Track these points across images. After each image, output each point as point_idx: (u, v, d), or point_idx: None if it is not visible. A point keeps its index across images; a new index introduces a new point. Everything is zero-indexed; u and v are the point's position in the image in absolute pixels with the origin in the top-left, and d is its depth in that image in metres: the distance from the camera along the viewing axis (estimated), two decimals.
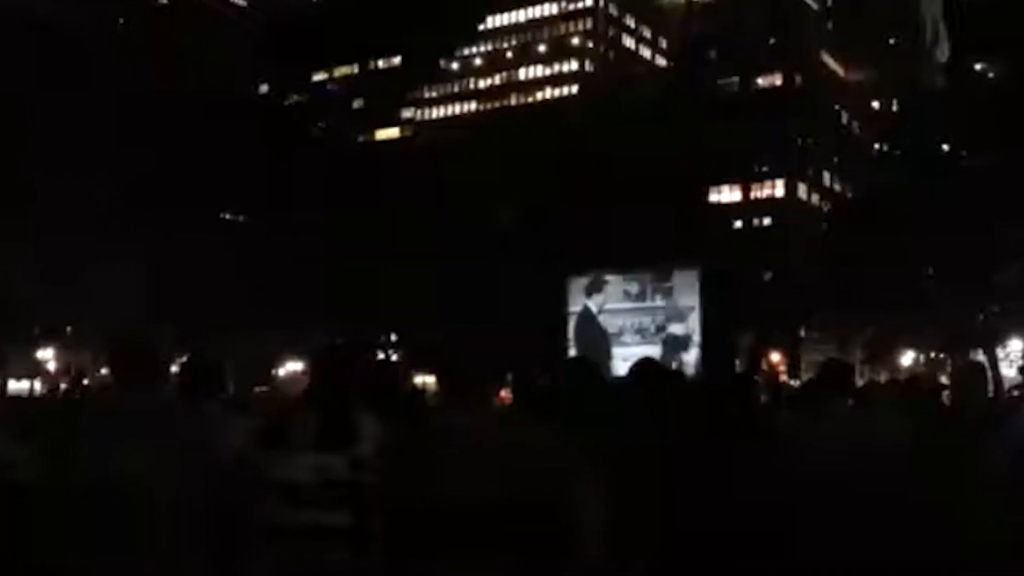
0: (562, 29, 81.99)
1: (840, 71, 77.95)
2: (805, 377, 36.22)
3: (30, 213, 23.51)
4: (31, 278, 23.29)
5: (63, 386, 24.27)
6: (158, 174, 26.72)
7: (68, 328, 30.87)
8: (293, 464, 3.12)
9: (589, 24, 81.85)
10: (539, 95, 79.09)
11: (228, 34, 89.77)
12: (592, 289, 15.32)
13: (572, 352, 13.99)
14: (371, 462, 2.99)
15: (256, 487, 2.81)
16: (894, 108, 50.70)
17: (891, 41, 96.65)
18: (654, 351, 14.17)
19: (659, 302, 15.15)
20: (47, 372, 30.68)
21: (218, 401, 4.08)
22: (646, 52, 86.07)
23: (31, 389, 28.81)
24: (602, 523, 2.35)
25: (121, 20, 70.25)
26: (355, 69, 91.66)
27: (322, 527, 3.06)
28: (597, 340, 14.64)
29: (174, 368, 3.69)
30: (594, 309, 15.12)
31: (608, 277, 15.97)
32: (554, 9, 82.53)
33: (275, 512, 2.98)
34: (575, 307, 15.71)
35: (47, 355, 31.33)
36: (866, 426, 4.18)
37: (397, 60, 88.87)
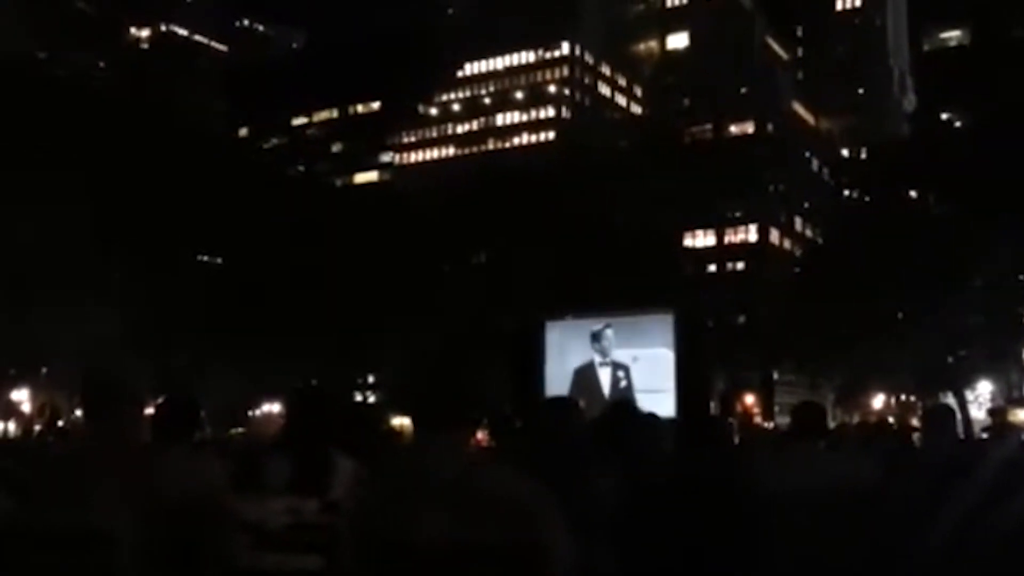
0: (539, 76, 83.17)
1: (810, 119, 79.64)
2: (779, 419, 36.43)
3: (3, 254, 23.25)
4: (4, 319, 22.96)
5: (37, 427, 23.85)
6: (136, 215, 26.58)
7: (43, 369, 30.41)
8: (265, 506, 3.10)
9: (565, 72, 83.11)
10: (516, 140, 79.88)
11: (209, 78, 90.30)
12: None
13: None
14: (345, 505, 2.97)
15: (227, 529, 2.78)
16: (863, 156, 51.69)
17: (860, 91, 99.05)
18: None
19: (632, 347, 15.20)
20: (21, 413, 30.14)
21: (191, 442, 4.05)
22: (621, 99, 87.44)
23: (5, 430, 28.29)
24: (571, 567, 2.35)
25: (101, 64, 70.59)
26: (334, 114, 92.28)
27: (294, 570, 3.04)
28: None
29: (149, 409, 3.67)
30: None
31: (579, 321, 15.97)
32: (531, 57, 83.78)
33: (246, 555, 2.95)
34: (551, 350, 15.67)
35: (22, 396, 30.81)
36: (835, 467, 4.22)
37: (376, 105, 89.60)
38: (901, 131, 58.27)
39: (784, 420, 28.29)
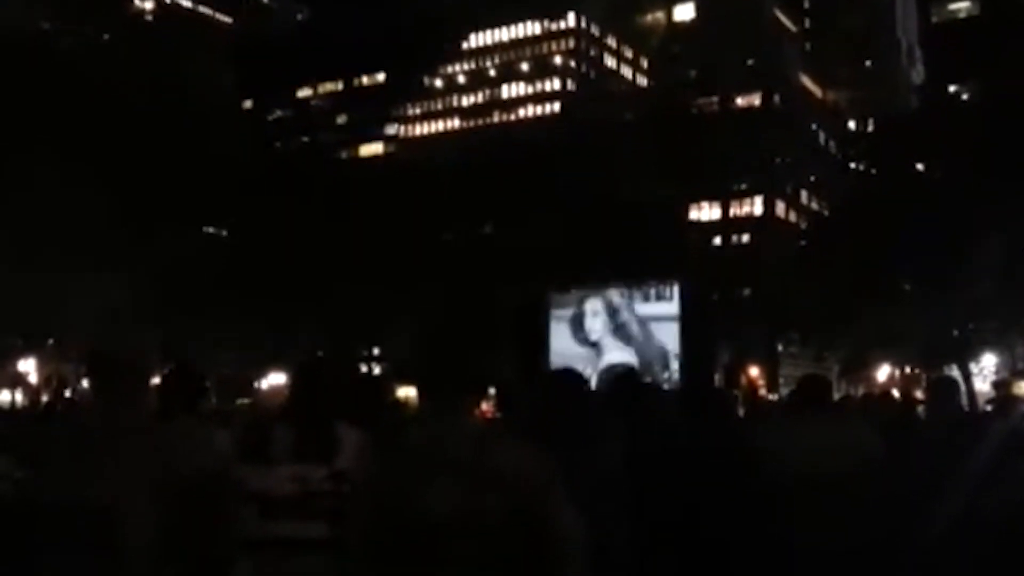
0: (544, 48, 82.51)
1: (817, 91, 78.88)
2: (784, 391, 36.49)
3: (10, 224, 23.30)
4: (12, 289, 23.06)
5: (44, 398, 24.03)
6: (141, 187, 26.55)
7: (49, 340, 30.54)
8: (272, 475, 3.13)
9: (571, 44, 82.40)
10: (521, 113, 79.43)
11: (213, 50, 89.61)
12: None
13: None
14: (351, 474, 2.99)
15: (234, 500, 2.81)
16: (870, 128, 51.29)
17: (867, 63, 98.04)
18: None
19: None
20: (28, 384, 30.32)
21: (197, 414, 4.07)
22: (627, 71, 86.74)
23: (12, 401, 28.49)
24: (580, 540, 2.36)
25: (106, 36, 70.01)
26: (339, 86, 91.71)
27: (301, 539, 3.06)
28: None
29: (155, 380, 3.68)
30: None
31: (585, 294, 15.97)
32: (537, 28, 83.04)
33: (253, 524, 2.98)
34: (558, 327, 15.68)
35: (28, 366, 30.97)
36: (839, 439, 4.23)
37: (381, 77, 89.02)
38: (909, 103, 57.70)
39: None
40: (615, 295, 15.18)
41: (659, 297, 15.02)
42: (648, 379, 12.11)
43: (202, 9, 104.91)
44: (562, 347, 14.71)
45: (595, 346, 14.80)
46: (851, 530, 3.79)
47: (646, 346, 14.55)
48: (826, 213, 52.11)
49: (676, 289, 14.87)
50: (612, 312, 14.92)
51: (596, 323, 14.91)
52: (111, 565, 2.42)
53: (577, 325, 15.03)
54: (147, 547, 2.44)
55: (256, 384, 28.66)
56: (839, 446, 4.13)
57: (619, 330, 14.82)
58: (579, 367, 4.47)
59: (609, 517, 3.10)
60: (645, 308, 14.96)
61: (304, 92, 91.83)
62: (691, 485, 3.59)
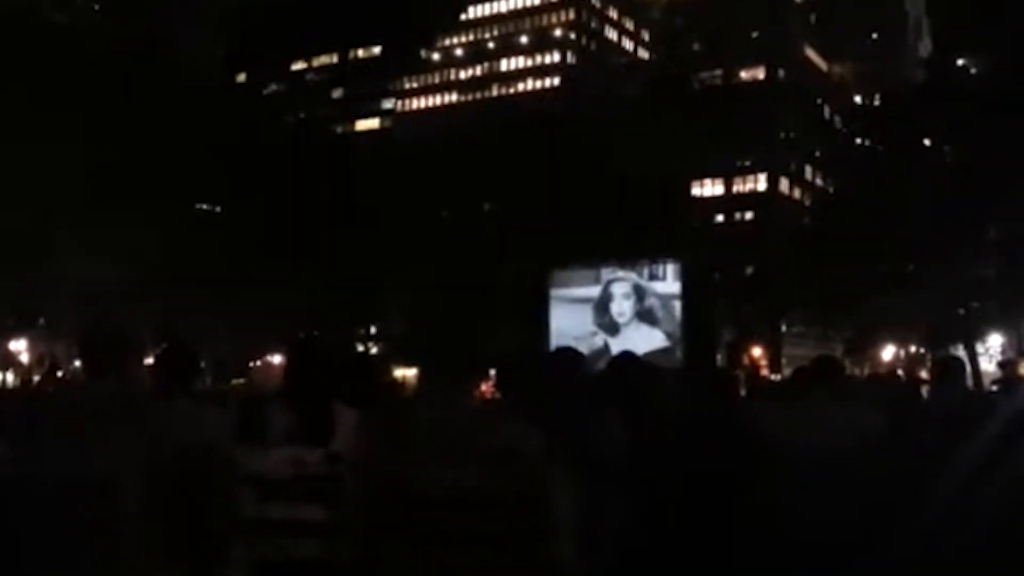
0: (544, 20, 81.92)
1: (823, 65, 78.42)
2: (786, 372, 36.57)
3: (0, 202, 23.20)
4: (3, 268, 23.00)
5: (36, 378, 24.11)
6: (133, 163, 26.42)
7: (41, 319, 30.54)
8: (268, 457, 3.09)
9: (571, 15, 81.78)
10: (520, 86, 79.01)
11: (207, 23, 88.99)
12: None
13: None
14: (348, 455, 2.95)
15: (232, 480, 2.78)
16: (876, 103, 51.00)
17: (873, 36, 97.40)
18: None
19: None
20: (20, 363, 30.39)
21: (192, 393, 4.02)
22: (628, 44, 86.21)
23: (3, 381, 28.58)
24: (574, 520, 2.34)
25: (97, 7, 69.63)
26: (335, 59, 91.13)
27: (297, 521, 3.03)
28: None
29: (148, 360, 3.63)
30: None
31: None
32: (536, 0, 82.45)
33: (249, 506, 2.94)
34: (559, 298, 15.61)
35: (20, 346, 30.99)
36: (841, 418, 4.22)
37: (377, 50, 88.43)
38: (915, 77, 57.31)
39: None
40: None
41: (652, 277, 14.93)
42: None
43: None
44: (566, 327, 14.58)
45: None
46: (851, 508, 3.78)
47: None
48: (831, 189, 51.92)
49: (670, 269, 14.77)
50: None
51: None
52: (104, 542, 2.40)
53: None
54: (140, 524, 2.41)
55: (252, 364, 28.76)
56: (841, 425, 4.15)
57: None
58: (581, 348, 4.40)
59: (603, 498, 3.09)
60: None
61: (299, 65, 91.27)
62: (693, 464, 3.57)
